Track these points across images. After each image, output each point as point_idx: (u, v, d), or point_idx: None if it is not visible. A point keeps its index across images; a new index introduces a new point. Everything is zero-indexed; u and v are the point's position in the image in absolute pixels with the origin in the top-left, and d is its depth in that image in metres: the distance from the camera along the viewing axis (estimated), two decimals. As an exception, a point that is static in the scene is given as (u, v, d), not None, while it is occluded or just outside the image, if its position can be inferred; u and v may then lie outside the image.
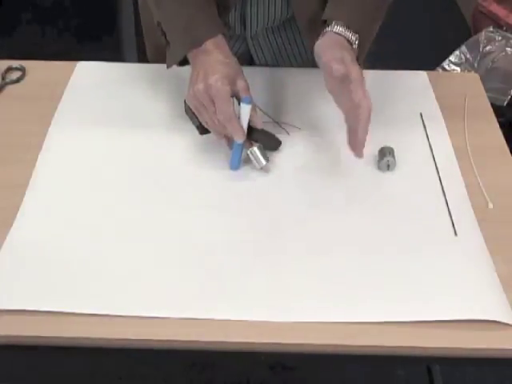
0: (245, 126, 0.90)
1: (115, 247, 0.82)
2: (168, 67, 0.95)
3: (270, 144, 0.94)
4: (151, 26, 1.17)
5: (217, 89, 0.86)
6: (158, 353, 0.76)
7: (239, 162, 0.93)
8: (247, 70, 0.92)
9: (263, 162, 0.92)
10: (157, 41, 0.97)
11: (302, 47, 1.14)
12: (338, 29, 0.89)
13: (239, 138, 0.89)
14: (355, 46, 0.90)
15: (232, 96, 0.88)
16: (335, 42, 0.89)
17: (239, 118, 0.89)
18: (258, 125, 0.91)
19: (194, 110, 0.91)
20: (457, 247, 0.83)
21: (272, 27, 1.10)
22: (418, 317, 0.75)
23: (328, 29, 0.90)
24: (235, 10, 1.05)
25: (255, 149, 0.91)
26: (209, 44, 0.90)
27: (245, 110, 0.88)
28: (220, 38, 0.91)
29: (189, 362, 1.51)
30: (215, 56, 0.89)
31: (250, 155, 0.92)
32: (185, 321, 0.74)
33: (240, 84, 0.89)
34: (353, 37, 0.90)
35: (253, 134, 0.92)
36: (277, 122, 0.99)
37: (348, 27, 0.89)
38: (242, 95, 0.89)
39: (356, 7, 0.92)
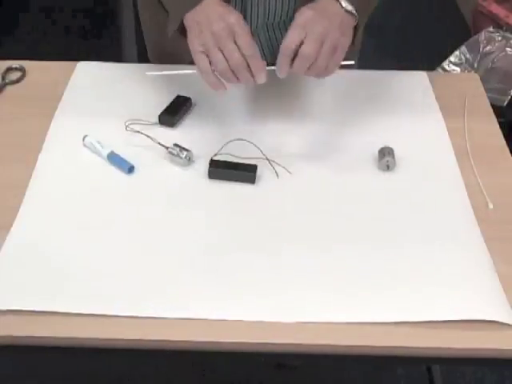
0: None
1: (114, 248, 0.82)
2: (169, 35, 0.93)
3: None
4: (151, 26, 1.17)
5: (240, 26, 0.85)
6: (157, 353, 0.76)
7: (126, 162, 0.93)
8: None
9: (184, 152, 0.93)
10: (157, 41, 0.97)
11: None
12: None
13: (261, 78, 0.86)
14: (351, 10, 0.88)
15: None
16: (320, 6, 0.87)
17: None
18: None
19: (206, 51, 0.86)
20: (457, 247, 0.83)
21: (273, 24, 1.09)
22: (418, 317, 0.75)
23: None
24: (235, 4, 1.05)
25: (173, 146, 0.93)
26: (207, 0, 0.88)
27: None
28: None
29: (189, 362, 1.51)
30: (217, 4, 0.88)
31: (172, 155, 0.93)
32: (184, 321, 0.74)
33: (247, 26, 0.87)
34: (346, 3, 0.87)
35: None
36: (268, 159, 0.94)
37: None
38: None
39: None
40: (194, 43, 0.87)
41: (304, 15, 0.86)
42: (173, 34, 0.92)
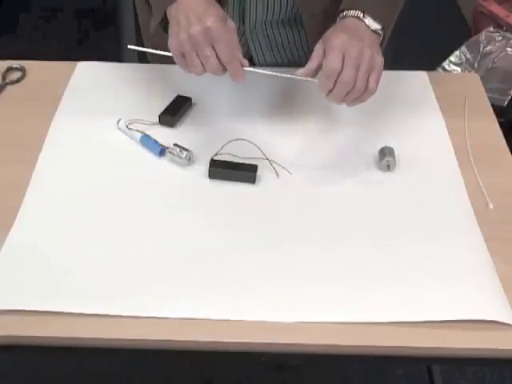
0: None
1: (115, 247, 0.82)
2: (152, 31, 0.93)
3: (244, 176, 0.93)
4: (149, 27, 1.17)
5: (218, 29, 0.83)
6: (157, 353, 0.76)
7: (158, 145, 0.95)
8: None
9: (184, 152, 0.93)
10: (155, 41, 0.97)
11: (300, 45, 1.14)
12: (355, 13, 0.89)
13: (240, 80, 0.87)
14: (376, 29, 0.90)
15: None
16: (348, 27, 0.88)
17: None
18: None
19: (182, 55, 0.86)
20: (457, 247, 0.83)
21: (271, 22, 1.09)
22: (417, 317, 0.75)
23: (343, 14, 0.90)
24: (234, 2, 1.04)
25: (173, 146, 0.94)
26: None
27: None
28: None
29: (189, 362, 1.51)
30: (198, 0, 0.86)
31: (172, 155, 0.93)
32: (184, 321, 0.74)
33: (231, 24, 0.86)
34: (371, 21, 0.89)
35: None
36: (268, 159, 0.94)
37: (366, 15, 0.89)
38: None
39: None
40: (172, 43, 0.87)
41: (338, 38, 0.86)
42: (156, 29, 0.91)
